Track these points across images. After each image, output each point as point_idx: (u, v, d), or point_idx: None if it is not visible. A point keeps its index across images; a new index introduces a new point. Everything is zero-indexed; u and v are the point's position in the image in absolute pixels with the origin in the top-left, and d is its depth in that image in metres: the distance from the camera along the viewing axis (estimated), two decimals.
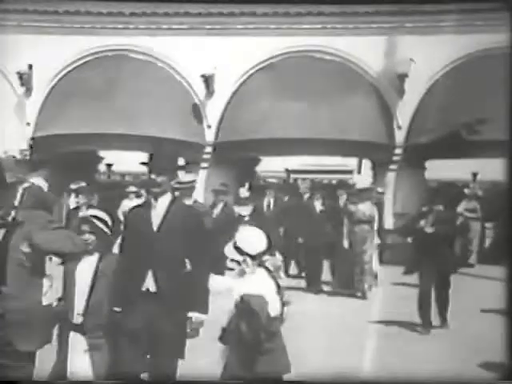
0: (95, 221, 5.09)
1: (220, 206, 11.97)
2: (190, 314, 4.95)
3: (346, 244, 11.47)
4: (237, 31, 15.06)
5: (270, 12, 15.05)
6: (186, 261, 5.02)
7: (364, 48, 14.75)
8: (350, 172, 18.74)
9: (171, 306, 4.90)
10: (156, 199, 5.03)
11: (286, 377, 4.64)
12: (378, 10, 14.79)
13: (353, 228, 11.44)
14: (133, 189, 13.24)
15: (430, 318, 8.97)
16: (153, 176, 4.98)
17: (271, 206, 13.02)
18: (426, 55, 14.46)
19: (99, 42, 15.13)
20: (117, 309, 4.91)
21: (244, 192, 12.75)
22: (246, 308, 4.50)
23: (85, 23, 15.12)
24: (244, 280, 4.65)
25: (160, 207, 5.03)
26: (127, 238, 5.12)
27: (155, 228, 4.99)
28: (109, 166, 19.88)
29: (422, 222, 9.01)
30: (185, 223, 5.00)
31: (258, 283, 4.62)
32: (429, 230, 8.87)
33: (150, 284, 4.92)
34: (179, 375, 5.07)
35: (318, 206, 12.08)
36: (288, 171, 19.67)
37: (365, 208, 11.42)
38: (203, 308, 4.97)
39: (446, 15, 14.55)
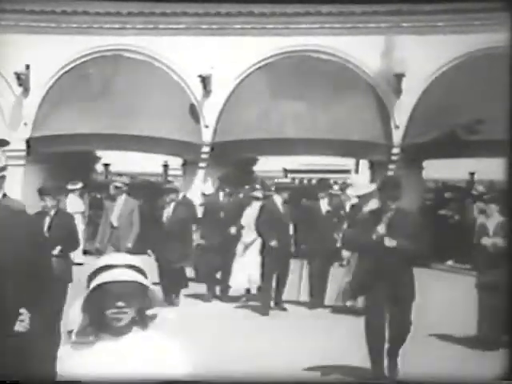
0: None
1: (171, 206, 10.40)
2: None
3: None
4: (234, 31, 15.05)
5: (267, 12, 15.04)
6: (21, 314, 2.99)
7: (361, 48, 14.75)
8: (347, 172, 18.73)
9: None
10: None
11: (281, 377, 4.16)
12: (375, 10, 14.80)
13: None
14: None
15: (382, 362, 6.39)
16: None
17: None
18: (424, 55, 14.45)
19: (96, 41, 15.11)
20: None
21: (209, 188, 12.11)
22: None
23: (82, 23, 15.10)
24: None
25: None
26: None
27: None
28: (106, 165, 19.86)
29: (380, 229, 6.28)
30: (18, 245, 2.90)
31: None
32: (390, 243, 6.18)
33: None
34: None
35: (324, 206, 10.55)
36: (285, 171, 19.66)
37: (371, 207, 8.99)
38: None
39: (443, 15, 14.58)
